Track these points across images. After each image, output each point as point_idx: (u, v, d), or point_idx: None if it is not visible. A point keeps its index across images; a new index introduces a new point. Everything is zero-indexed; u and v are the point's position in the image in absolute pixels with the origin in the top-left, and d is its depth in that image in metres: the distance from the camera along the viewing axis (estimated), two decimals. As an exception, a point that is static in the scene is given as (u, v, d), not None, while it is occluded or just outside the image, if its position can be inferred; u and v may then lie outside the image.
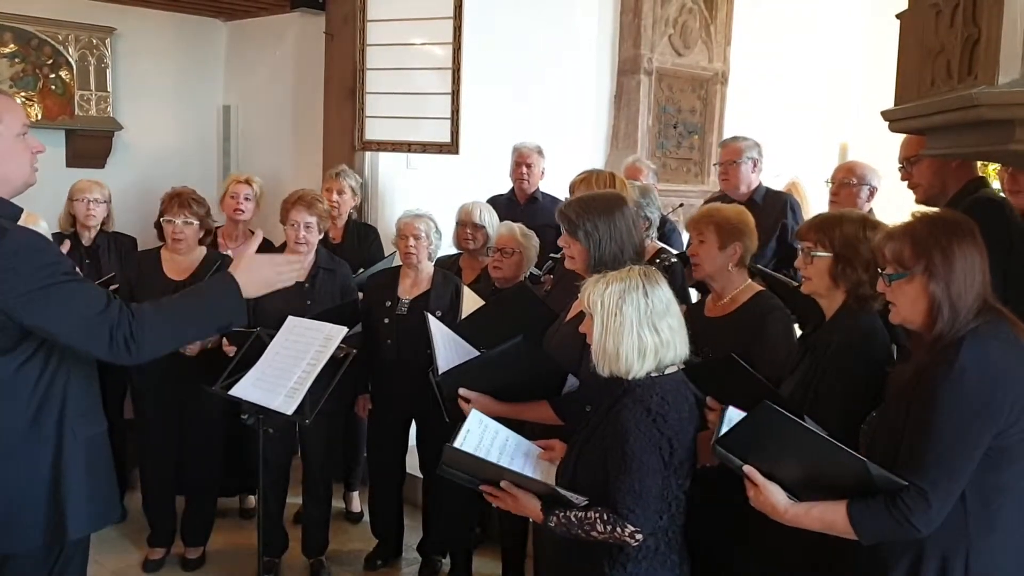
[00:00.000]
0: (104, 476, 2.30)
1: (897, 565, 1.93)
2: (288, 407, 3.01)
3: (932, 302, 1.88)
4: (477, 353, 2.84)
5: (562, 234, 2.67)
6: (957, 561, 1.87)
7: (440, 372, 2.76)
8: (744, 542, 2.39)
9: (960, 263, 1.87)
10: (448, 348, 2.88)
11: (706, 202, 4.46)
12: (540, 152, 4.89)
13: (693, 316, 2.92)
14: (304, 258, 3.73)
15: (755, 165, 4.32)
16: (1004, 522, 1.87)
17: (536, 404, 2.66)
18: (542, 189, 4.90)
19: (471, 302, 3.57)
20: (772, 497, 1.92)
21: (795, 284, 3.02)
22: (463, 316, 3.52)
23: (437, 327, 2.94)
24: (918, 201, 2.76)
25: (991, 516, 1.86)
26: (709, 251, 2.81)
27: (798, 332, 2.84)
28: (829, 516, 1.89)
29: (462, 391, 2.69)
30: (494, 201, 4.71)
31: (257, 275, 2.26)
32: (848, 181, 3.96)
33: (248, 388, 3.12)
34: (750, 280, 2.88)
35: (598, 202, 2.66)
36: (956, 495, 1.83)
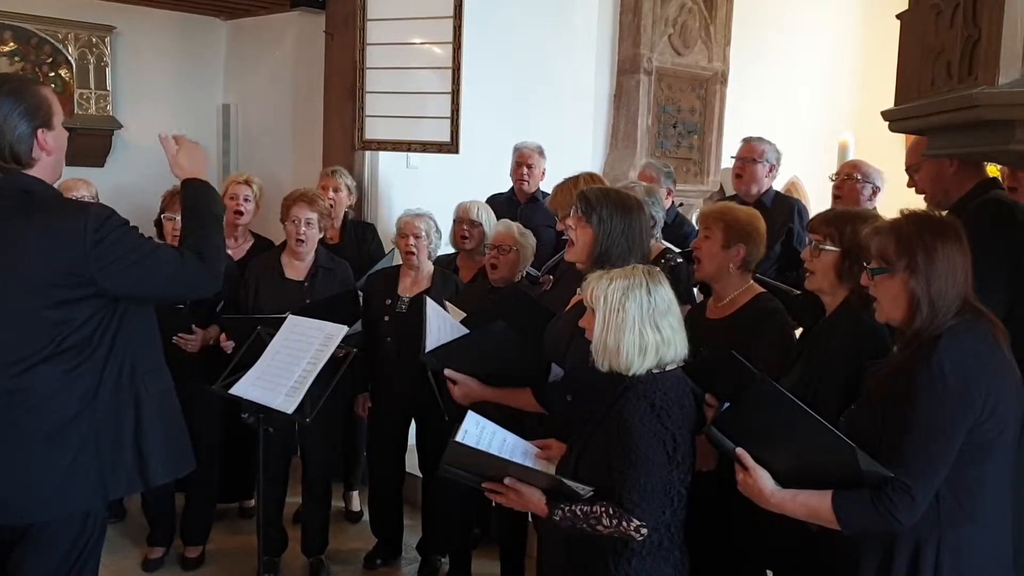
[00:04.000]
0: (177, 428, 2.46)
1: (870, 553, 1.97)
2: (289, 406, 3.01)
3: (912, 299, 1.91)
4: None
5: (571, 215, 2.63)
6: (928, 551, 1.91)
7: (427, 350, 2.76)
8: (732, 533, 2.41)
9: (942, 262, 1.91)
10: (441, 330, 2.86)
11: (706, 201, 4.47)
12: (541, 152, 4.89)
13: (694, 317, 2.92)
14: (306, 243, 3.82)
15: (771, 169, 4.32)
16: (976, 515, 1.90)
17: (520, 391, 2.67)
18: (543, 188, 4.90)
19: (455, 315, 3.54)
20: (760, 482, 1.97)
21: (796, 292, 3.02)
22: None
23: (434, 310, 2.92)
24: (928, 207, 2.76)
25: (964, 509, 1.90)
26: (712, 248, 2.78)
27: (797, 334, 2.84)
28: (814, 504, 1.93)
29: (448, 372, 2.69)
30: (494, 200, 4.71)
31: (197, 164, 2.60)
32: (853, 176, 3.97)
33: (248, 387, 3.11)
34: (751, 282, 2.87)
35: (619, 197, 2.65)
36: (936, 488, 1.87)
